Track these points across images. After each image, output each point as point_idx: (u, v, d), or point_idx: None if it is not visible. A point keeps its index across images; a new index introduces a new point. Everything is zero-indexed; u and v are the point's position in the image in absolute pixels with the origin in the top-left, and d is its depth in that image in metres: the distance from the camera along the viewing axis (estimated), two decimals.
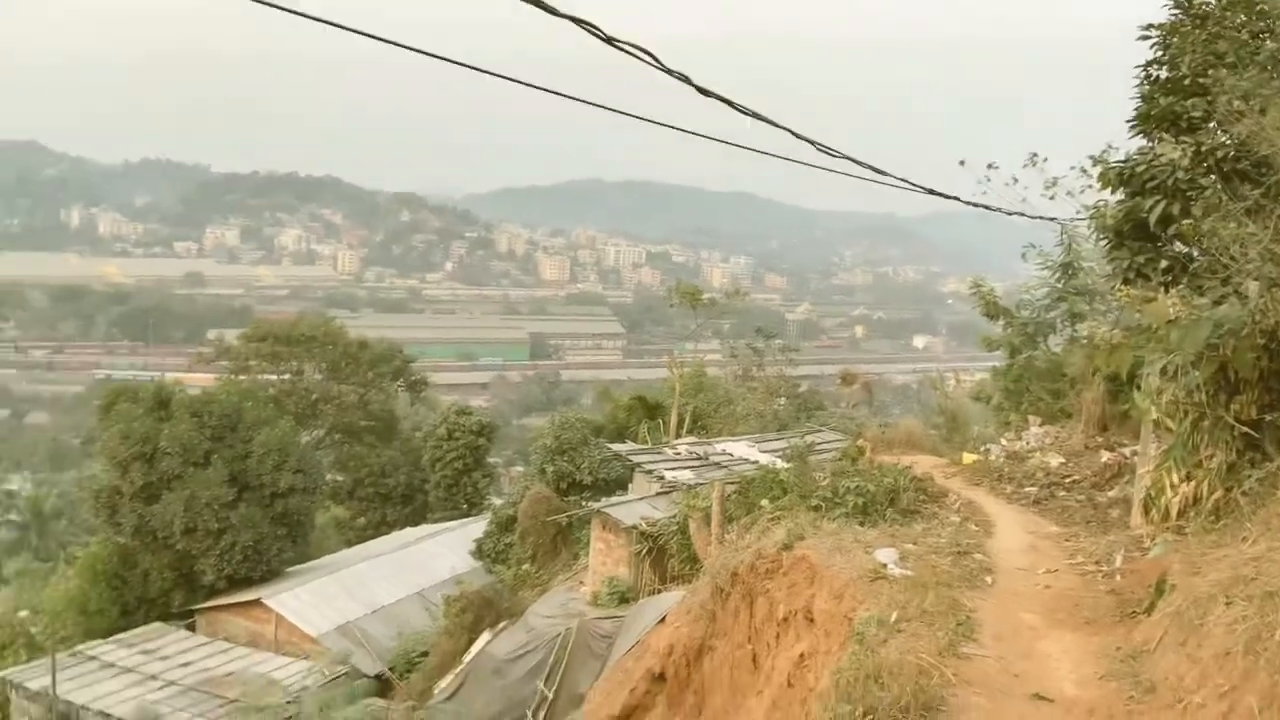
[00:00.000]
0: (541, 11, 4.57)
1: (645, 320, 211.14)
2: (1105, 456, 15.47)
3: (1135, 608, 8.50)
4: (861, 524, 12.43)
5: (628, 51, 5.08)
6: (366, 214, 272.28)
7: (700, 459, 22.54)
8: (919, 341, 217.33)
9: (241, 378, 41.83)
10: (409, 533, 37.56)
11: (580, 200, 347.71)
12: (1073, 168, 12.70)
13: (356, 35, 5.45)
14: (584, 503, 25.33)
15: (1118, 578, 9.72)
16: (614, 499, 22.83)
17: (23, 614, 32.38)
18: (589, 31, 4.84)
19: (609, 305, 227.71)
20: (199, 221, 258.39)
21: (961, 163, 13.65)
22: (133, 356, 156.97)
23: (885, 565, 10.01)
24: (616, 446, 25.35)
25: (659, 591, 19.06)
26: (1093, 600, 9.23)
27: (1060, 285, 20.14)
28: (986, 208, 12.94)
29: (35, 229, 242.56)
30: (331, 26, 5.29)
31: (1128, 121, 11.33)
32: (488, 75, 6.12)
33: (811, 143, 8.60)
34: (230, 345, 46.59)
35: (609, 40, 4.92)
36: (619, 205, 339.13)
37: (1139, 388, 10.04)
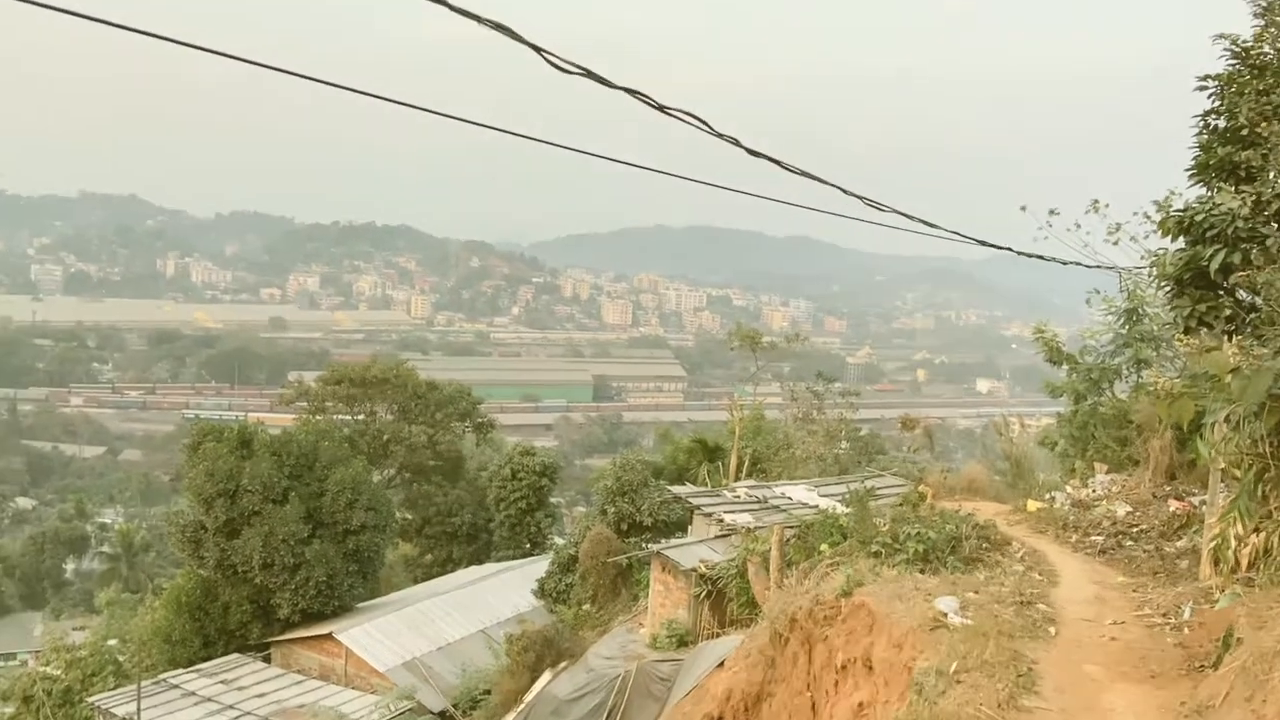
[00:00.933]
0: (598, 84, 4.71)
1: (706, 363, 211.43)
2: (1173, 506, 14.86)
3: (1202, 661, 8.20)
4: (922, 571, 12.24)
5: (679, 118, 5.27)
6: (438, 260, 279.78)
7: (759, 502, 22.28)
8: (982, 386, 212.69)
9: (318, 418, 42.98)
10: (473, 571, 37.86)
11: (643, 245, 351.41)
12: (1135, 213, 12.52)
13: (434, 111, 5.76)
14: (644, 544, 25.34)
15: (1185, 630, 9.39)
16: (673, 541, 22.71)
17: (112, 642, 33.32)
18: (643, 101, 5.04)
19: (670, 348, 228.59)
20: (283, 269, 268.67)
21: (1023, 208, 13.71)
22: (219, 397, 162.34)
23: (946, 614, 9.82)
24: (676, 489, 25.16)
25: (717, 635, 18.83)
26: (1159, 653, 8.92)
27: (1125, 331, 19.61)
28: (1040, 257, 12.74)
29: (134, 277, 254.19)
30: (419, 110, 5.59)
31: (1186, 170, 11.15)
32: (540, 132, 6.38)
33: (860, 198, 8.73)
34: (308, 387, 47.76)
35: (661, 109, 5.12)
36: (681, 250, 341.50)
37: (1203, 437, 9.73)
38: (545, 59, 4.93)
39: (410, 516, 44.32)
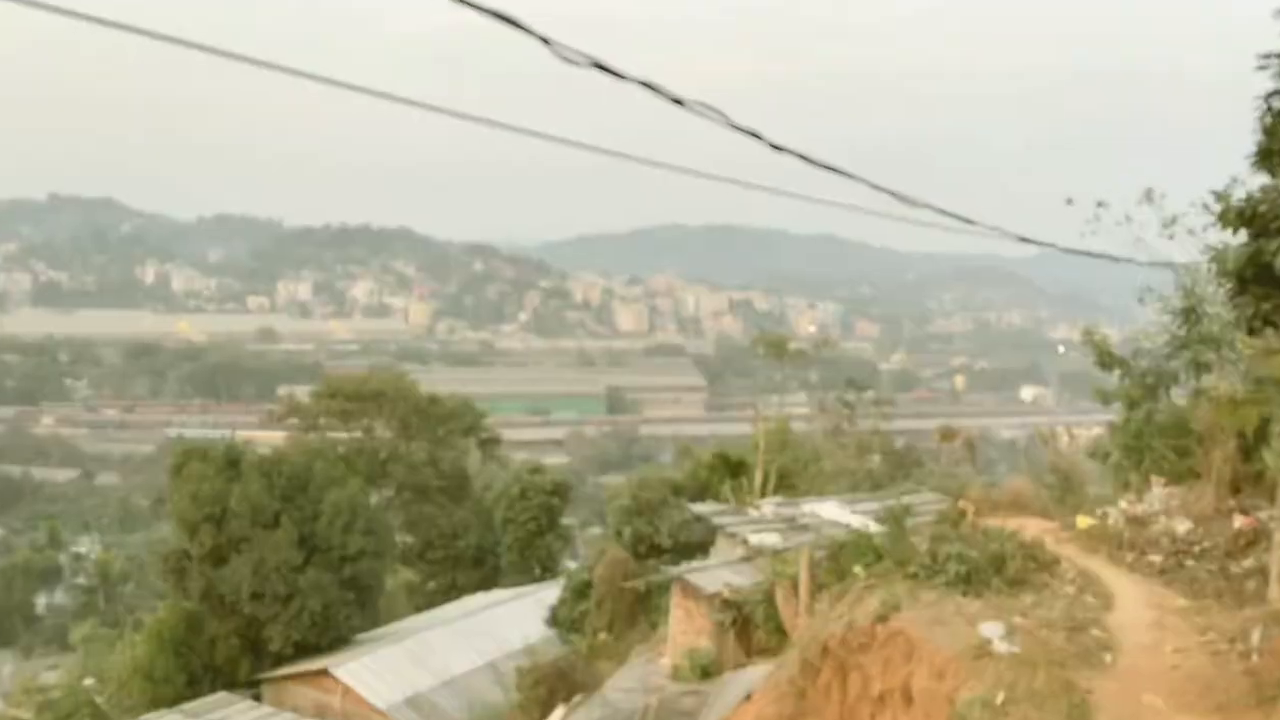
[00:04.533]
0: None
1: (727, 372, 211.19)
2: (1239, 521, 14.70)
3: (1274, 691, 8.15)
4: (964, 594, 12.24)
5: (698, 112, 5.33)
6: (438, 265, 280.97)
7: (787, 521, 22.28)
8: (1026, 393, 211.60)
9: (311, 436, 43.38)
10: (480, 598, 37.87)
11: (658, 246, 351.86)
12: (1193, 205, 12.44)
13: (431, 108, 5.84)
14: (663, 568, 24.87)
15: (1254, 658, 9.35)
16: (695, 564, 22.63)
17: (88, 682, 33.36)
18: (657, 94, 5.16)
19: (689, 356, 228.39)
20: (272, 276, 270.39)
21: (1069, 201, 13.55)
22: (204, 414, 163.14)
23: (990, 640, 9.91)
24: (697, 507, 25.10)
25: (744, 665, 18.74)
26: (1226, 682, 8.94)
27: (1182, 332, 19.47)
28: (1088, 254, 12.69)
29: (110, 286, 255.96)
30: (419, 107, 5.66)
31: (1248, 157, 11.06)
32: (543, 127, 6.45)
33: (890, 193, 8.71)
34: (300, 402, 48.26)
35: (677, 101, 5.21)
36: (699, 251, 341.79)
37: (1270, 445, 9.68)
38: (552, 50, 4.98)
39: (411, 540, 44.46)
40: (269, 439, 52.27)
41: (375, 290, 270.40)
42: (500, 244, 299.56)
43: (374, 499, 39.03)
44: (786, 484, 29.80)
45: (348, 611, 32.07)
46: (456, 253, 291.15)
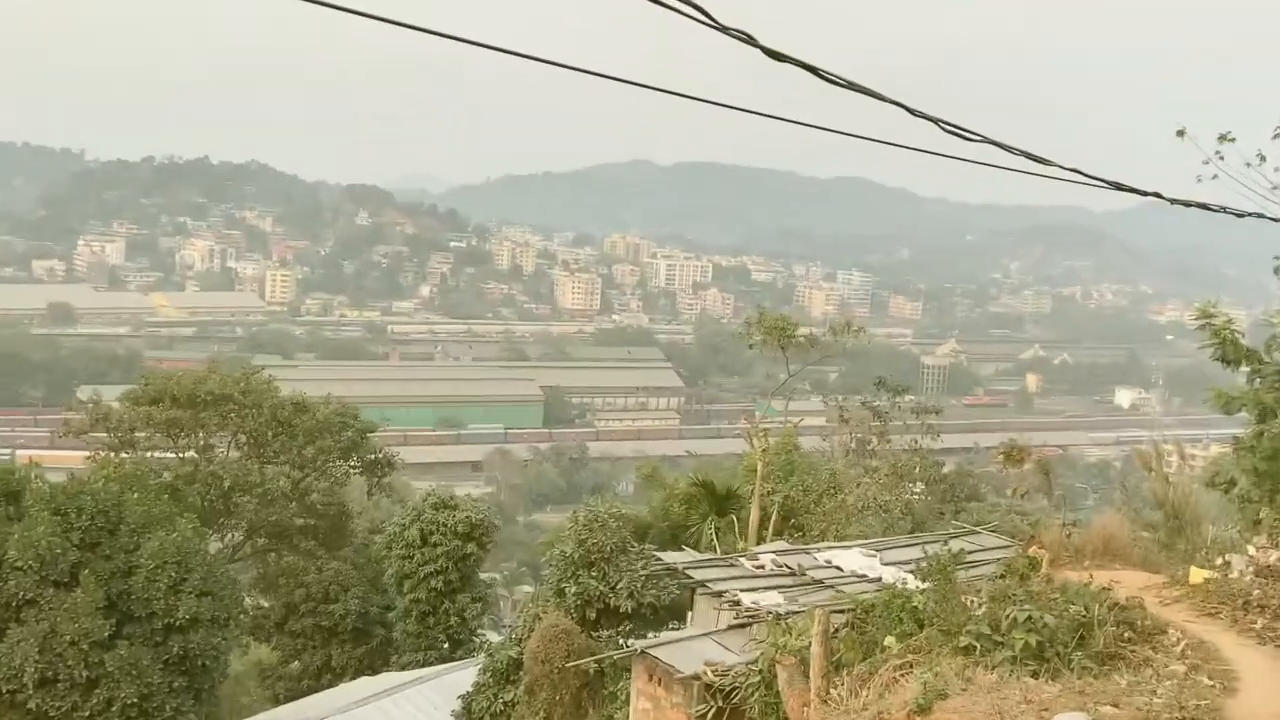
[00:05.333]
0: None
1: (711, 367, 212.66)
2: None
3: None
4: (1035, 675, 12.51)
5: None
6: (307, 216, 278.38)
7: (794, 574, 22.52)
8: (1123, 398, 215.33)
9: (124, 456, 42.60)
10: (364, 684, 37.57)
11: (616, 193, 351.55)
12: None
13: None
14: (622, 640, 25.34)
15: None
16: (665, 635, 22.93)
17: None
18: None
19: (659, 346, 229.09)
20: (68, 230, 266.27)
21: (1180, 133, 13.58)
22: None
23: None
24: (669, 556, 25.08)
25: None
26: None
27: None
28: (1205, 207, 12.70)
29: None
30: None
31: None
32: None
33: (935, 121, 8.79)
34: (110, 409, 47.52)
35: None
36: (672, 199, 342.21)
37: None
38: None
39: (267, 604, 44.14)
40: (64, 460, 51.43)
41: (216, 251, 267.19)
42: (396, 188, 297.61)
43: (214, 546, 38.76)
44: (793, 523, 29.94)
45: (176, 703, 31.70)
46: (333, 199, 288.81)
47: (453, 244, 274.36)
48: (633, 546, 28.51)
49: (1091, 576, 15.97)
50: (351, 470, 48.03)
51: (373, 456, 48.47)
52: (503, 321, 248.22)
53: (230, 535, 44.57)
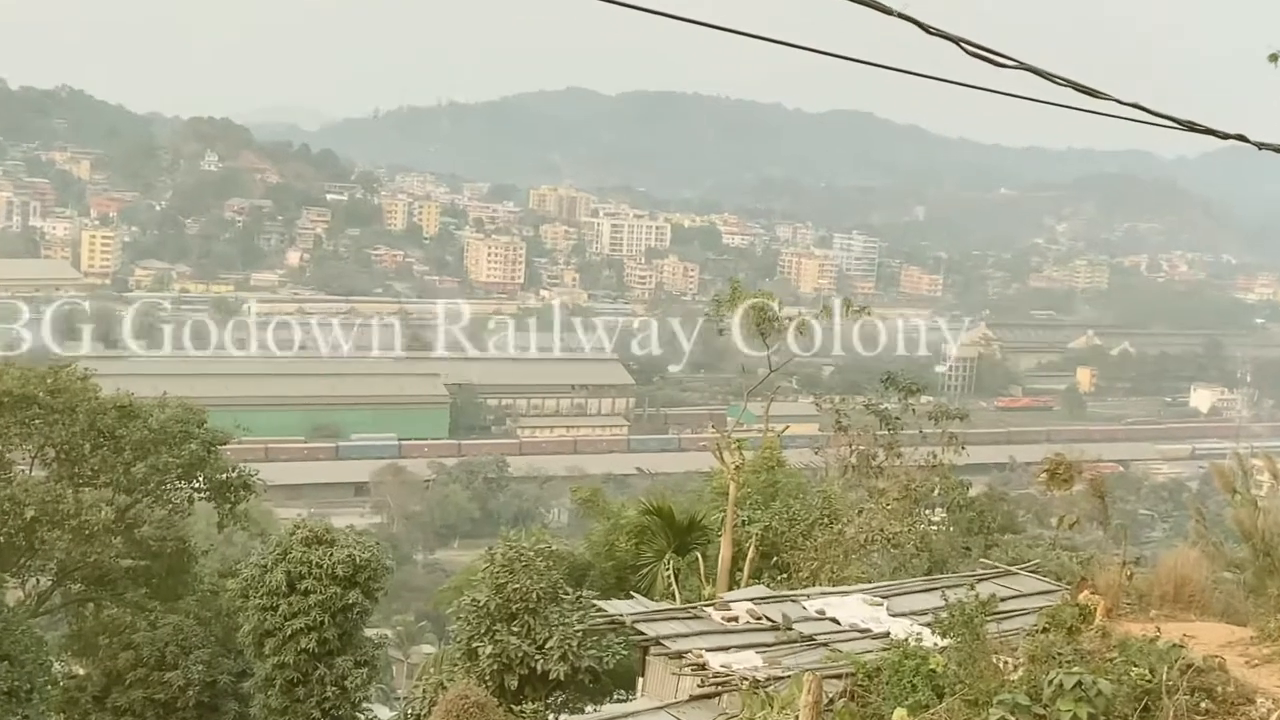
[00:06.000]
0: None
1: (671, 358, 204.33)
2: None
3: None
4: None
5: None
6: (137, 159, 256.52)
7: (776, 629, 22.40)
8: (1199, 399, 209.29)
9: None
10: None
11: (546, 130, 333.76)
12: None
13: None
14: (552, 716, 25.38)
15: None
16: (609, 709, 23.80)
17: None
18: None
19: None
20: None
21: (1274, 57, 12.39)
22: None
23: None
24: (614, 605, 24.48)
25: None
26: None
27: None
28: None
29: None
30: None
31: None
32: None
33: (958, 42, 8.75)
34: None
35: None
36: (618, 138, 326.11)
37: None
38: None
39: (83, 671, 41.13)
40: None
41: (16, 205, 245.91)
42: (255, 123, 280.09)
43: (11, 595, 36.70)
44: (775, 562, 30.05)
45: None
46: (172, 136, 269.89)
47: (330, 196, 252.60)
48: (566, 593, 28.05)
49: (1159, 630, 16.30)
50: (196, 494, 44.22)
51: (224, 476, 44.58)
52: (396, 299, 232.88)
53: (34, 581, 41.57)
